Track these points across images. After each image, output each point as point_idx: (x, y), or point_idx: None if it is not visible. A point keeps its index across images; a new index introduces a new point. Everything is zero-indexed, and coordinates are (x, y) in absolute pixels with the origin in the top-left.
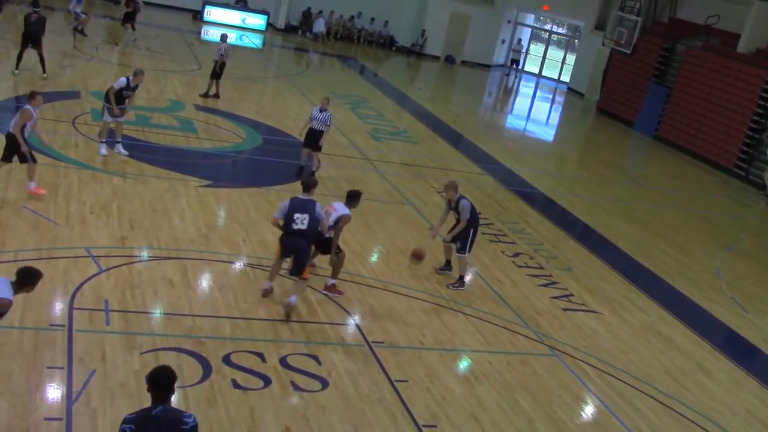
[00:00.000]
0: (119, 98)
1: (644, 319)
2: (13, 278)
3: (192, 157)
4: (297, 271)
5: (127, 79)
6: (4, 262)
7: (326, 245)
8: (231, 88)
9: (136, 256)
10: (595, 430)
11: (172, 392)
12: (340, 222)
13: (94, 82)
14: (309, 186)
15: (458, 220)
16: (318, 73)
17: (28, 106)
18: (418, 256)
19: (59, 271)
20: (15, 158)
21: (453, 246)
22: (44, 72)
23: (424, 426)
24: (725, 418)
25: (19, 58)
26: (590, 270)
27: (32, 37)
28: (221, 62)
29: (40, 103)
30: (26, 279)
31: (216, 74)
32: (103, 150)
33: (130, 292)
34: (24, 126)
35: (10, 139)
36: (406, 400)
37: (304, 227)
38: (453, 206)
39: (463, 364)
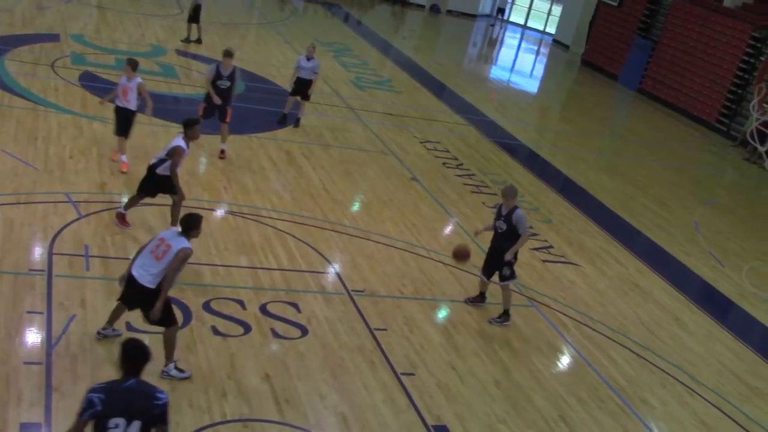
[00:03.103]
0: None
1: (622, 271)
2: (178, 229)
3: (173, 102)
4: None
5: None
6: None
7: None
8: (213, 34)
9: (117, 202)
10: (571, 379)
11: (144, 366)
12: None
13: (74, 25)
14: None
15: (505, 233)
16: (301, 20)
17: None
18: (462, 255)
19: (38, 216)
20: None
21: (486, 280)
22: None
23: (402, 374)
24: (698, 369)
25: None
26: (570, 222)
27: None
28: (195, 5)
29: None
30: (190, 225)
31: (192, 18)
32: None
33: (111, 238)
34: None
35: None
36: (385, 349)
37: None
38: (504, 215)
39: (443, 313)
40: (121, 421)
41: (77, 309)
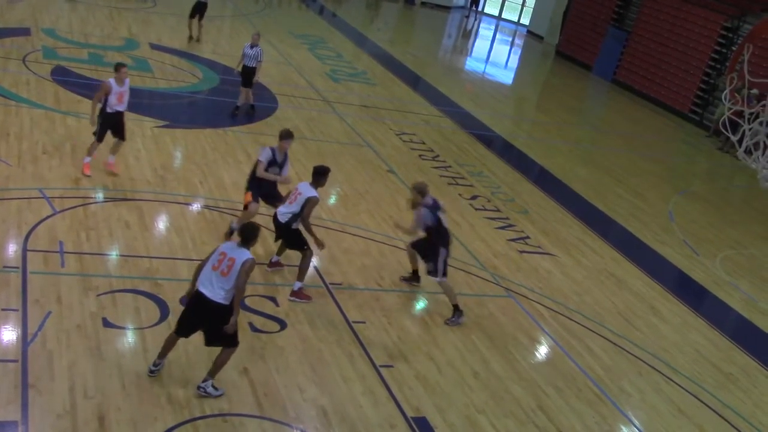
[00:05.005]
0: None
1: (598, 261)
2: (237, 240)
3: (148, 97)
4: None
5: None
6: None
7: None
8: (187, 27)
9: (91, 197)
10: (549, 369)
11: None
12: (306, 207)
13: (45, 19)
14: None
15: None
16: (275, 12)
17: (110, 79)
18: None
19: (12, 212)
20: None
21: (418, 255)
22: None
23: (381, 366)
24: (674, 357)
25: None
26: (546, 213)
27: None
28: (198, 1)
29: (125, 77)
30: (249, 235)
31: (194, 14)
32: None
33: (86, 234)
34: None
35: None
36: (364, 341)
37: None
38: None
39: (420, 305)
40: None
41: (53, 305)
